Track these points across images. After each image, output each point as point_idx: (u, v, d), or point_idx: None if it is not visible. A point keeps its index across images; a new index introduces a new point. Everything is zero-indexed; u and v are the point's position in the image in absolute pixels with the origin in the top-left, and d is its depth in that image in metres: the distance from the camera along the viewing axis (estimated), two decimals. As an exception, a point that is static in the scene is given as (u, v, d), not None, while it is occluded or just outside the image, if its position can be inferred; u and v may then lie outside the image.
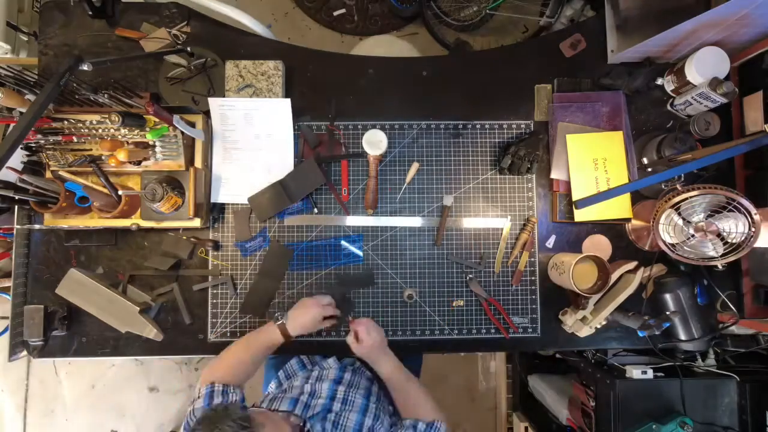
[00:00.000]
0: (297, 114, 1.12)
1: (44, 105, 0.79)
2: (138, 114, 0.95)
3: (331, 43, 2.17)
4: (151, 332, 1.07)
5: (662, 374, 1.11)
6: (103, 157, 1.01)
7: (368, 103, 1.16)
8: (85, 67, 0.85)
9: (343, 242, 1.13)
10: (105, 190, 1.00)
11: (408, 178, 1.13)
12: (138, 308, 1.06)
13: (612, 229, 1.14)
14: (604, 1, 1.16)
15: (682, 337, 1.06)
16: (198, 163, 1.05)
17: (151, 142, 1.00)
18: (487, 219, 1.14)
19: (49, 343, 1.10)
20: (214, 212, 1.12)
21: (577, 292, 1.00)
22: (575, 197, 1.09)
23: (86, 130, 0.98)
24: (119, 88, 0.95)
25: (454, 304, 1.12)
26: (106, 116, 0.93)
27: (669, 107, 1.14)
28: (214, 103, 1.09)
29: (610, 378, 1.12)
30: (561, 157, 1.12)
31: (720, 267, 0.99)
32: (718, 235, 0.95)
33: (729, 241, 0.94)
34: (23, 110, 0.89)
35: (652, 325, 0.96)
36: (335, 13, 2.13)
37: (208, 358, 0.97)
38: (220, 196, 1.11)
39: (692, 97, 1.06)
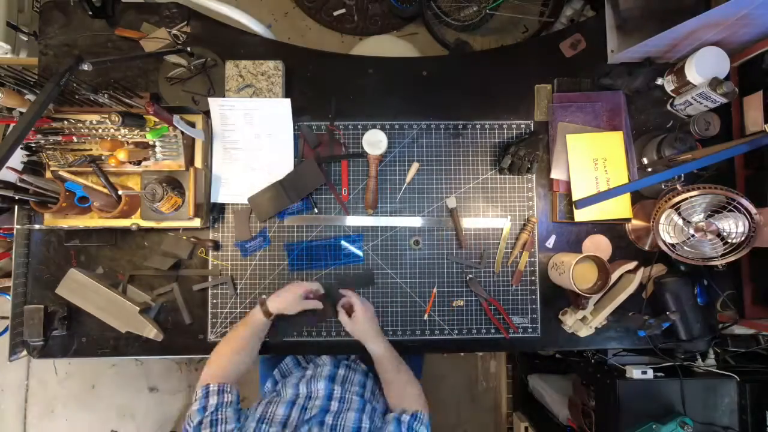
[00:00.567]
0: (297, 114, 1.12)
1: (44, 105, 0.79)
2: (138, 114, 0.95)
3: (331, 43, 2.17)
4: (151, 332, 1.07)
5: (662, 374, 1.11)
6: (103, 157, 1.01)
7: (368, 103, 1.16)
8: (85, 67, 0.84)
9: (343, 242, 1.13)
10: (105, 190, 1.00)
11: (408, 178, 1.13)
12: (138, 308, 1.06)
13: (612, 229, 1.14)
14: (604, 1, 1.16)
15: (682, 337, 1.06)
16: (198, 163, 1.05)
17: (151, 142, 1.00)
18: (487, 219, 1.14)
19: (49, 343, 1.09)
20: (214, 212, 1.12)
21: (577, 292, 1.00)
22: (575, 197, 1.09)
23: (86, 130, 0.98)
24: (119, 88, 0.95)
25: (454, 304, 1.12)
26: (106, 116, 0.93)
27: (669, 107, 1.14)
28: (214, 103, 1.09)
29: (610, 378, 1.12)
30: (561, 157, 1.12)
31: (720, 267, 0.99)
32: (718, 235, 0.95)
33: (729, 241, 0.94)
34: (23, 110, 0.89)
35: (652, 325, 0.96)
36: (335, 13, 2.13)
37: (209, 358, 0.97)
38: (220, 196, 1.11)
39: (692, 97, 1.06)
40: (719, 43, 1.04)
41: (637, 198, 1.13)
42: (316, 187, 1.11)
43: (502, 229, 1.13)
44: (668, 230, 0.97)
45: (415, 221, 1.13)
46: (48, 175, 1.02)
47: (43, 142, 0.97)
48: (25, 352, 1.09)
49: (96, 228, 1.06)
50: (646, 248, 1.13)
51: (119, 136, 0.99)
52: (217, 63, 1.13)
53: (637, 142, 1.13)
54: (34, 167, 1.04)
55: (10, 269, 1.09)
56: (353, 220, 1.13)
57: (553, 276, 1.11)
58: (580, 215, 1.10)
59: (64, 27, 1.14)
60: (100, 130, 0.98)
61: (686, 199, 0.94)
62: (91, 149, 1.01)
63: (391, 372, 0.98)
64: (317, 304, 1.04)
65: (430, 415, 0.92)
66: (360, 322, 1.00)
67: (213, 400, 0.87)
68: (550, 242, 1.14)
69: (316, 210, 1.13)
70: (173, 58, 1.11)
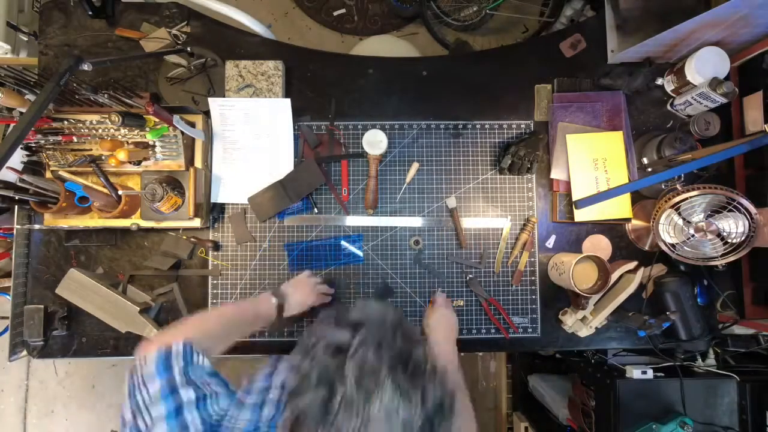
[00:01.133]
0: (297, 114, 1.12)
1: (44, 105, 0.79)
2: (138, 114, 0.95)
3: (331, 43, 2.17)
4: (151, 332, 1.07)
5: (662, 374, 1.11)
6: (103, 157, 1.01)
7: (368, 103, 1.16)
8: (85, 67, 0.84)
9: (343, 242, 1.13)
10: (105, 190, 1.00)
11: (408, 178, 1.13)
12: (138, 308, 1.06)
13: (612, 229, 1.14)
14: (604, 1, 1.16)
15: (682, 337, 1.06)
16: (198, 163, 1.05)
17: (151, 142, 1.00)
18: (487, 219, 1.14)
19: (49, 343, 1.09)
20: (214, 212, 1.12)
21: (577, 292, 1.00)
22: (575, 197, 1.09)
23: (86, 130, 0.98)
24: (119, 88, 0.95)
25: (454, 304, 1.12)
26: (106, 116, 0.93)
27: (669, 107, 1.14)
28: (214, 103, 1.09)
29: (610, 378, 1.12)
30: (561, 157, 1.12)
31: (720, 267, 0.99)
32: (718, 235, 0.95)
33: (729, 241, 0.94)
34: (23, 110, 0.90)
35: (652, 325, 0.96)
36: (335, 13, 2.13)
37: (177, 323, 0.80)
38: (220, 196, 1.11)
39: (692, 97, 1.06)
40: (719, 43, 1.04)
41: (637, 198, 1.13)
42: (316, 187, 1.11)
43: (502, 229, 1.13)
44: (668, 230, 0.97)
45: (415, 221, 1.13)
46: (48, 175, 1.02)
47: (43, 142, 0.97)
48: (25, 352, 1.09)
49: (96, 228, 1.06)
50: (646, 248, 1.13)
51: (119, 136, 0.99)
52: (217, 63, 1.13)
53: (637, 142, 1.13)
54: (34, 167, 1.04)
55: (10, 269, 1.09)
56: (353, 220, 1.13)
57: (553, 276, 1.11)
58: (580, 215, 1.10)
59: (64, 27, 1.14)
60: (100, 130, 0.98)
61: (686, 199, 0.94)
62: (91, 149, 1.01)
63: None
64: (328, 290, 1.06)
65: None
66: (437, 314, 0.98)
67: (178, 365, 0.60)
68: (550, 242, 1.14)
69: (316, 210, 1.13)
70: (173, 58, 1.11)
